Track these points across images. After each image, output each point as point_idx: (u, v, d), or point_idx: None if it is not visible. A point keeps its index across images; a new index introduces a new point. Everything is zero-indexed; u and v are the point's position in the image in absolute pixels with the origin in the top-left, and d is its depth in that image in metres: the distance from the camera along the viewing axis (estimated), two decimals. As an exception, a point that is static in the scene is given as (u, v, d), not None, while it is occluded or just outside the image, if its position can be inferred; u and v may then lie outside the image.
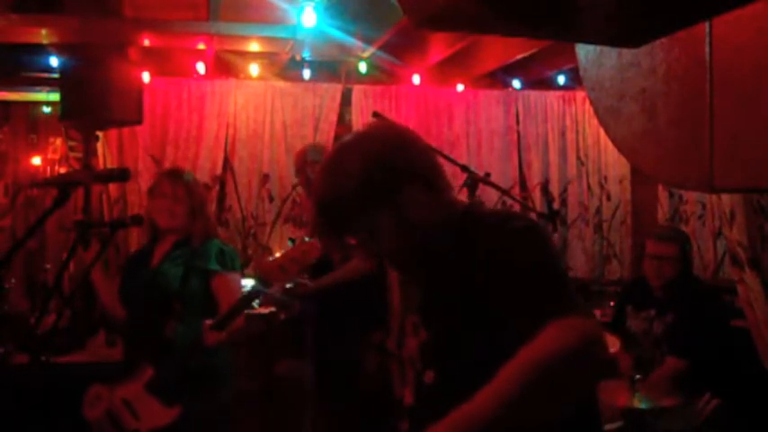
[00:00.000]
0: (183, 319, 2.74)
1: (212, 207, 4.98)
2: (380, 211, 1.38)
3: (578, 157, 5.72)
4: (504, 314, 1.25)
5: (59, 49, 4.31)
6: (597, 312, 4.74)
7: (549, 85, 5.69)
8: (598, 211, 5.73)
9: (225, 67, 5.12)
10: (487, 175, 3.03)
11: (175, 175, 2.93)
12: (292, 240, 4.38)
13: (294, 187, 5.12)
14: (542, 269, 1.29)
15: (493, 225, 1.38)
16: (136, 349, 2.83)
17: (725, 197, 2.76)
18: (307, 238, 2.67)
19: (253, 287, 2.60)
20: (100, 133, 4.82)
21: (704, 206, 4.84)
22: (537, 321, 1.18)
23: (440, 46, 4.75)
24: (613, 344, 3.05)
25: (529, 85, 5.66)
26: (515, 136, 5.65)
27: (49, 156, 5.48)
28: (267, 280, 2.57)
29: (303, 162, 3.90)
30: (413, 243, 1.42)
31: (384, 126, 1.53)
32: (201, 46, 4.63)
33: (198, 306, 2.77)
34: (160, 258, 2.88)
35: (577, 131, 5.73)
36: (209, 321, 2.62)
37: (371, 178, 1.36)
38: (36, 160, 5.50)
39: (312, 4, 3.71)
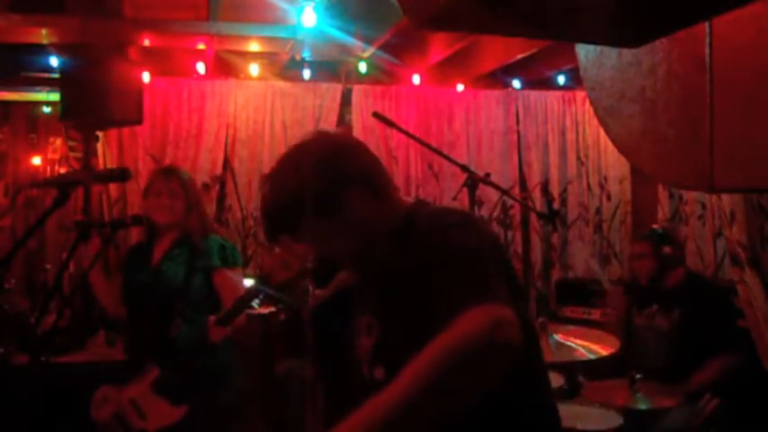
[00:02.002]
0: (187, 317, 2.74)
1: (212, 207, 4.98)
2: (325, 217, 1.43)
3: (578, 157, 5.72)
4: (437, 307, 1.27)
5: (59, 49, 4.30)
6: (597, 312, 4.77)
7: (549, 85, 5.68)
8: (598, 211, 5.73)
9: (225, 67, 5.12)
10: (487, 175, 3.03)
11: (168, 171, 2.95)
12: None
13: (294, 187, 5.11)
14: (466, 260, 1.31)
15: (429, 225, 1.42)
16: (139, 348, 2.83)
17: (725, 197, 2.76)
18: None
19: (255, 284, 2.60)
20: (100, 133, 4.81)
21: (704, 206, 4.83)
22: (456, 310, 1.20)
23: (440, 46, 4.75)
24: (613, 344, 3.07)
25: (529, 85, 5.65)
26: (515, 136, 5.64)
27: (49, 156, 5.47)
28: (269, 276, 2.56)
29: None
30: (360, 247, 1.48)
31: (325, 135, 1.58)
32: (201, 46, 4.63)
33: (201, 303, 2.77)
34: (161, 257, 2.88)
35: (577, 131, 5.72)
36: (213, 318, 2.63)
37: (313, 186, 1.41)
38: (36, 160, 5.49)
39: (312, 4, 3.71)
